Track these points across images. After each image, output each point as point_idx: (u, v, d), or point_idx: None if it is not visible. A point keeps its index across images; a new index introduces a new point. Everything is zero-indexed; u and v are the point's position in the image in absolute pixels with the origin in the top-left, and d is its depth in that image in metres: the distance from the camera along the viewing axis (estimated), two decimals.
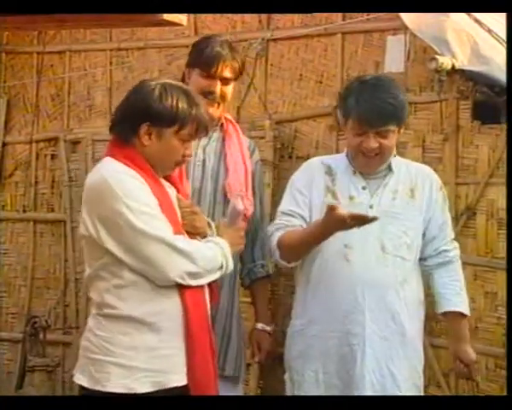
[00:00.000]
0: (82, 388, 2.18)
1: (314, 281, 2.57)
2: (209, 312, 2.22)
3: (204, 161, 2.70)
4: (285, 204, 2.62)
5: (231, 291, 2.81)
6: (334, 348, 2.52)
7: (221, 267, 2.14)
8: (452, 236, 2.70)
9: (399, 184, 2.59)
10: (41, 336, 4.06)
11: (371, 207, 2.54)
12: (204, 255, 2.10)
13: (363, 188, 2.56)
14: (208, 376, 2.17)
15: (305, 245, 2.51)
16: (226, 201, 2.68)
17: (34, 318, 4.16)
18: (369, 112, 2.44)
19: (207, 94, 2.68)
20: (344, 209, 2.37)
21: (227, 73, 2.71)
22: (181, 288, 2.12)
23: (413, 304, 2.59)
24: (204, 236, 2.25)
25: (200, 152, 2.71)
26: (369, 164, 2.54)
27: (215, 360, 2.22)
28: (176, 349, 2.14)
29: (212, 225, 2.33)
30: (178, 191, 2.27)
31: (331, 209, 2.36)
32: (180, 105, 2.14)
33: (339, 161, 2.64)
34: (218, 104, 2.75)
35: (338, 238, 2.49)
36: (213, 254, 2.11)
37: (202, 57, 2.68)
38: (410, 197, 2.59)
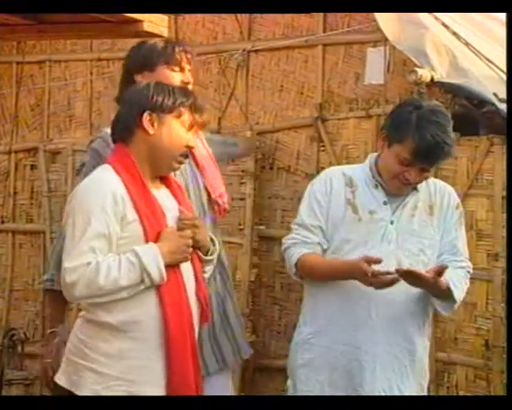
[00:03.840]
0: (60, 387, 2.18)
1: (325, 291, 2.49)
2: (196, 329, 2.20)
3: (182, 171, 2.65)
4: (303, 215, 2.55)
5: (221, 292, 2.69)
6: (342, 362, 2.47)
7: (142, 281, 2.10)
8: (466, 255, 2.63)
9: (419, 201, 2.53)
10: (19, 348, 4.01)
11: (392, 223, 2.48)
12: (92, 282, 2.06)
13: (385, 203, 2.49)
14: (187, 391, 2.16)
15: (326, 277, 2.50)
16: (211, 203, 2.64)
17: (12, 330, 4.11)
18: (428, 151, 2.38)
19: (185, 85, 2.65)
20: (371, 268, 2.34)
21: (187, 62, 2.69)
22: (160, 299, 2.11)
23: (424, 323, 2.55)
24: (206, 250, 2.25)
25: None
26: (401, 190, 2.50)
27: (199, 375, 2.20)
28: (152, 361, 2.12)
29: (216, 241, 2.32)
30: (179, 203, 2.25)
31: (360, 272, 2.35)
32: (177, 91, 2.21)
33: (360, 172, 2.55)
34: None
35: (354, 252, 2.46)
36: (117, 275, 2.06)
37: (171, 53, 2.62)
38: (428, 214, 2.52)
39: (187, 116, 2.19)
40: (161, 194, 2.23)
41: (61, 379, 2.17)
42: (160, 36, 3.19)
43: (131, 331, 2.11)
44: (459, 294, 2.49)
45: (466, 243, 2.61)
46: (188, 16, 4.16)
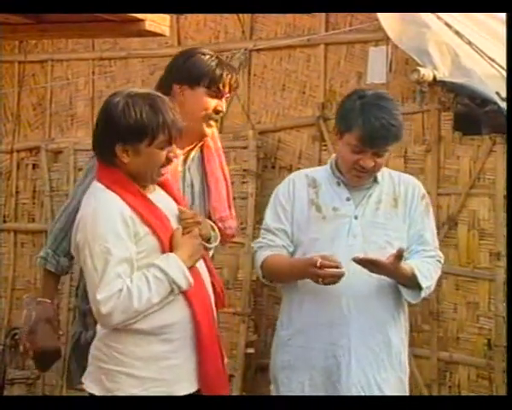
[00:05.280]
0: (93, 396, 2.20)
1: (300, 292, 2.56)
2: (216, 318, 2.24)
3: (192, 183, 2.64)
4: (268, 219, 2.64)
5: None
6: (320, 360, 2.51)
7: (171, 292, 2.13)
8: (435, 245, 2.68)
9: (383, 194, 2.59)
10: (21, 348, 4.01)
11: (356, 217, 2.53)
12: (128, 307, 2.08)
13: (348, 199, 2.56)
14: (220, 381, 2.20)
15: (287, 276, 2.57)
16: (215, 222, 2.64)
17: (14, 329, 4.10)
18: (374, 134, 2.45)
19: (215, 113, 2.59)
20: (321, 271, 2.39)
21: (229, 90, 2.63)
22: (188, 300, 2.14)
23: (399, 314, 2.58)
24: (208, 238, 2.31)
25: (187, 175, 2.64)
26: (360, 179, 2.55)
27: (224, 363, 2.23)
28: (185, 358, 2.15)
29: (215, 226, 2.37)
30: (176, 201, 2.26)
31: (310, 264, 2.41)
32: (145, 117, 2.12)
33: (322, 172, 2.63)
34: (216, 121, 2.68)
35: (324, 250, 2.49)
36: (149, 295, 2.09)
37: (217, 79, 2.53)
38: (393, 207, 2.58)
39: (161, 137, 2.13)
40: (156, 196, 2.23)
41: (92, 388, 2.17)
42: (162, 35, 3.19)
43: (164, 334, 2.13)
44: (426, 281, 2.50)
45: (435, 234, 2.64)
46: (190, 15, 4.16)
